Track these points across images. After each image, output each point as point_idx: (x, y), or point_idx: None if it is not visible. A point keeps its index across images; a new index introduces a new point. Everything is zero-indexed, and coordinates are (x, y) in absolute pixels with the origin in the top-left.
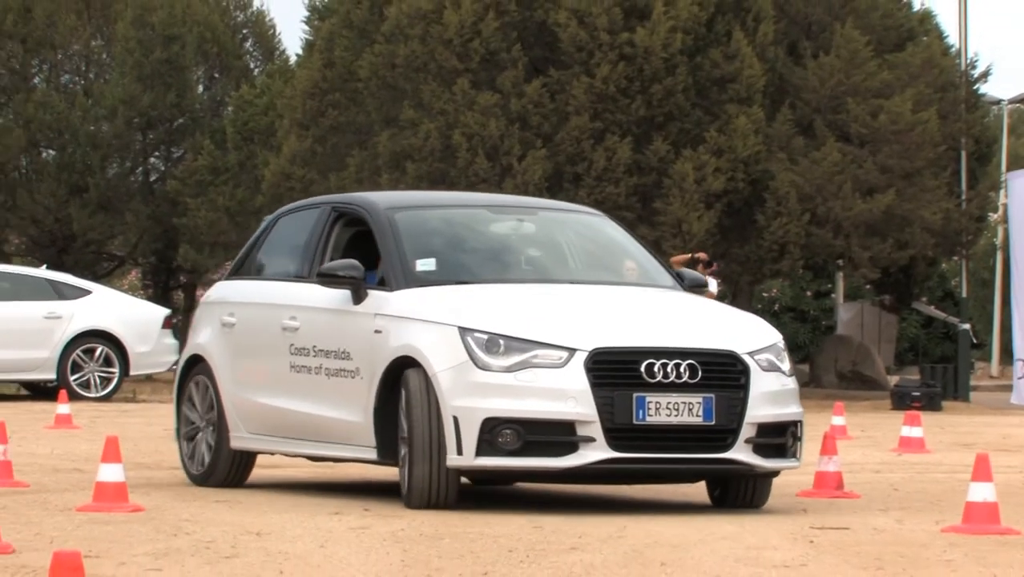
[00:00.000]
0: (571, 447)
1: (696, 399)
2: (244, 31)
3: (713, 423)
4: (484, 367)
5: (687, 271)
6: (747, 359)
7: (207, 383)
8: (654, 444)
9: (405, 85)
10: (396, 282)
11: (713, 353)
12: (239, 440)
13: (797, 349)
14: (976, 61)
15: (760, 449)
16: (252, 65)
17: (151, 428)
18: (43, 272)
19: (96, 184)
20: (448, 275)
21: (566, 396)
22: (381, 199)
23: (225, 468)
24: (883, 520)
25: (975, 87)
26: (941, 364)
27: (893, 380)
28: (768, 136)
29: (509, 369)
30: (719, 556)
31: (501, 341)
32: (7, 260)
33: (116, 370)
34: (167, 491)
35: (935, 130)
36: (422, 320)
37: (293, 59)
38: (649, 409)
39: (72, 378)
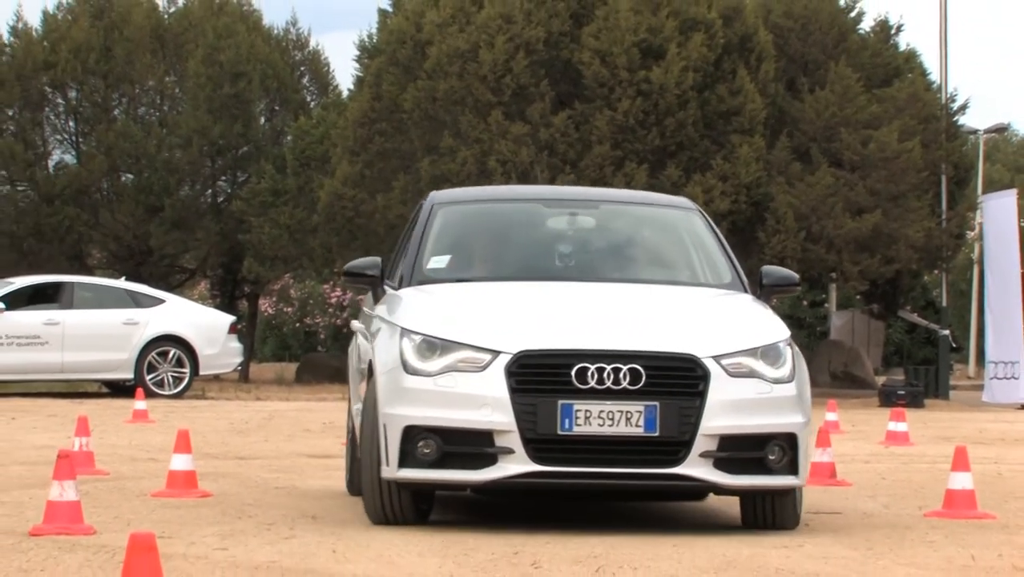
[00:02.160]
0: (490, 459)
1: (636, 407)
2: (302, 68)
3: (657, 434)
4: (413, 372)
5: (774, 269)
6: (709, 363)
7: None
8: (583, 457)
9: (445, 116)
10: (405, 280)
11: (663, 356)
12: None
13: None
14: (955, 95)
15: (724, 464)
16: (309, 99)
17: (218, 422)
18: (122, 283)
19: (170, 205)
20: (452, 273)
21: (482, 403)
22: (443, 194)
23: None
24: (872, 505)
25: (954, 119)
26: (923, 366)
27: (880, 380)
28: (768, 163)
29: (434, 374)
30: (725, 537)
31: (437, 343)
32: (90, 272)
33: (187, 370)
34: (232, 479)
35: (918, 157)
36: (386, 321)
37: (345, 93)
38: (577, 418)
39: (148, 377)
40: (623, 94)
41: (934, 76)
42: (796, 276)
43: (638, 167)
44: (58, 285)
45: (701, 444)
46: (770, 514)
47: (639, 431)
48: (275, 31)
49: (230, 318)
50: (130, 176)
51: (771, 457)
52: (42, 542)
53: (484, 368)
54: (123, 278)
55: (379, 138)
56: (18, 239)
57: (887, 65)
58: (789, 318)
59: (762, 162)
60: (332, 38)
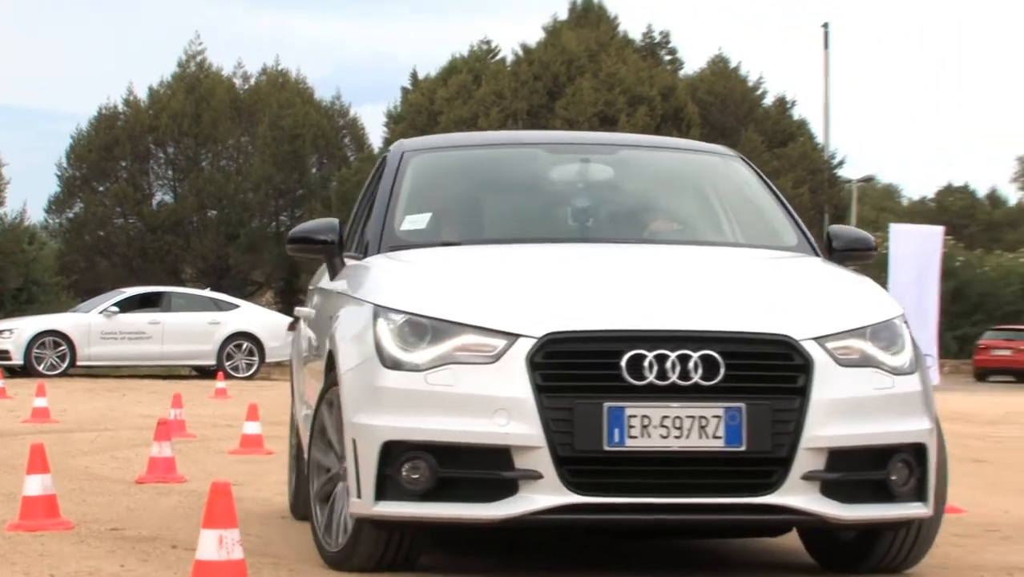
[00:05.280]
0: (508, 487)
1: (714, 411)
2: (344, 131)
3: (743, 449)
4: (393, 365)
5: (844, 229)
6: (811, 347)
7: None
8: (640, 484)
9: None
10: (372, 247)
11: (748, 338)
12: None
13: None
14: (835, 153)
15: (834, 489)
16: (349, 154)
17: (281, 397)
18: (207, 292)
19: (244, 233)
20: (434, 235)
21: (496, 407)
22: (415, 141)
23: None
24: None
25: (834, 171)
26: None
27: None
28: None
29: (425, 368)
30: None
31: (426, 325)
32: (183, 284)
33: (256, 359)
34: None
35: (807, 201)
36: (351, 298)
37: (376, 150)
38: (631, 428)
39: (227, 364)
40: None
41: (819, 139)
42: (871, 238)
43: None
44: (159, 294)
45: (804, 462)
46: (897, 552)
47: (718, 444)
48: (324, 103)
49: (289, 318)
50: (214, 212)
51: (894, 477)
52: (145, 488)
53: (497, 358)
54: (208, 289)
55: None
56: (128, 259)
57: (784, 131)
58: None
59: None
60: (367, 108)
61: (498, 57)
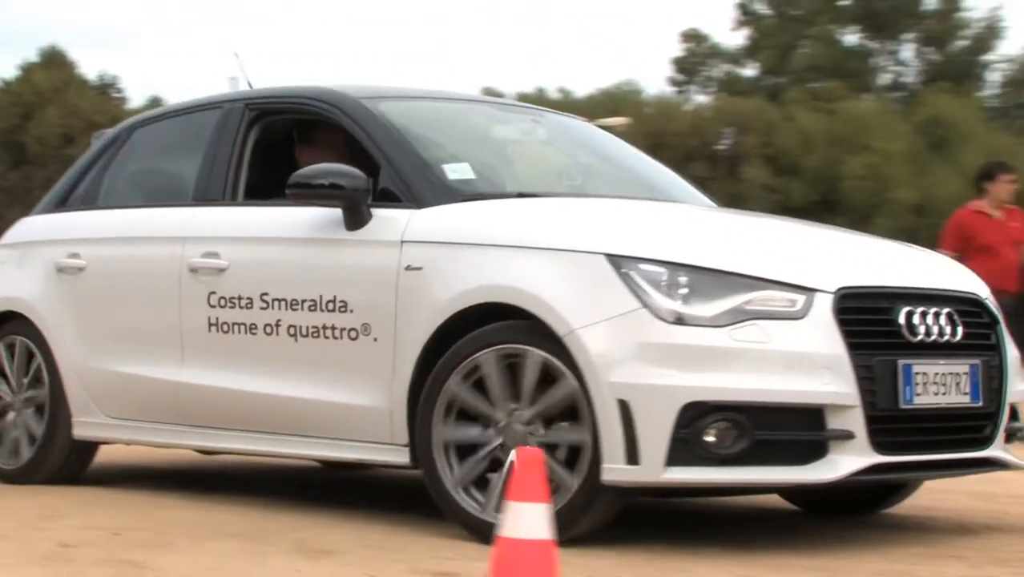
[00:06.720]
0: (815, 449)
1: (963, 368)
2: None
3: (980, 404)
4: (673, 318)
5: None
6: (992, 306)
7: (30, 349)
8: (923, 442)
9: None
10: (423, 195)
11: (963, 297)
12: (90, 427)
13: None
14: None
15: (1009, 440)
16: None
17: None
18: None
19: None
20: (501, 186)
21: (814, 364)
22: (347, 87)
23: (57, 460)
24: None
25: None
26: None
27: None
28: None
29: (719, 322)
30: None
31: (683, 278)
32: None
33: None
34: None
35: None
36: (523, 247)
37: None
38: (917, 385)
39: None
40: None
41: None
42: None
43: None
44: None
45: (1004, 416)
46: (905, 497)
47: (966, 400)
48: None
49: None
50: None
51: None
52: None
53: (803, 314)
54: None
55: None
56: None
57: None
58: None
59: None
60: None
61: None
